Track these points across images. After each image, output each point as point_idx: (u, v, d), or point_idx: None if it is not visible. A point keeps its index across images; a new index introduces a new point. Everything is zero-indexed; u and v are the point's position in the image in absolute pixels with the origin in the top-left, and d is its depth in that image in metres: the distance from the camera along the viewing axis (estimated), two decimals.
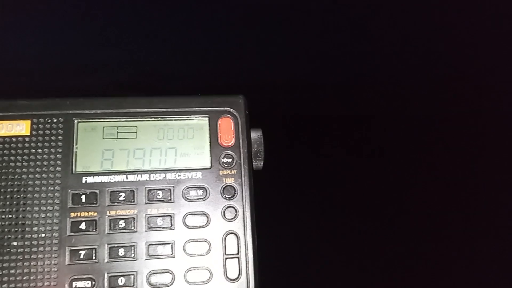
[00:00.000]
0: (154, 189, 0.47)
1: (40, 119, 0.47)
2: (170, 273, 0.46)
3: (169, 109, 0.50)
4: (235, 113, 0.51)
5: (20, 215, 0.45)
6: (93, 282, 0.44)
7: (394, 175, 0.94)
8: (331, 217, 0.88)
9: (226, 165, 0.49)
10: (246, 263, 0.47)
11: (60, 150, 0.47)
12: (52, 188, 0.46)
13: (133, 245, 0.46)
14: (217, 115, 0.50)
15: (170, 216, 0.47)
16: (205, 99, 0.51)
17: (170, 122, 0.50)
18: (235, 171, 0.49)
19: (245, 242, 0.47)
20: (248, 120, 0.51)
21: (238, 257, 0.47)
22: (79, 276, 0.44)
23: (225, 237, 0.47)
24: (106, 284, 0.45)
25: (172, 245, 0.46)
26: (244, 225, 0.48)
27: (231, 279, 0.46)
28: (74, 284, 0.44)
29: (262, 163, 0.53)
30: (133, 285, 0.45)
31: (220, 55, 0.85)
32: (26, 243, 0.44)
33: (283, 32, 0.89)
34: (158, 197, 0.47)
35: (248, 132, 0.51)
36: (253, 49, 0.87)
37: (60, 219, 0.45)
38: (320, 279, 0.82)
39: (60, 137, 0.47)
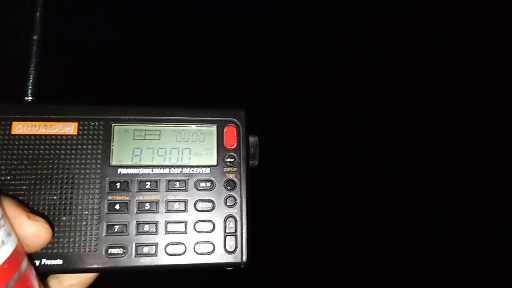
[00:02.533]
0: (172, 180, 0.61)
1: (85, 122, 0.60)
2: (183, 245, 0.59)
3: (186, 118, 0.63)
4: (238, 122, 0.64)
5: (69, 197, 0.58)
6: (124, 250, 0.58)
7: (391, 179, 1.03)
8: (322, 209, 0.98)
9: (229, 164, 0.63)
10: (241, 240, 0.61)
11: (100, 147, 0.60)
12: (94, 177, 0.59)
13: (155, 223, 0.59)
14: (223, 124, 0.64)
15: (184, 201, 0.61)
16: (215, 111, 0.64)
17: (187, 128, 0.63)
18: (236, 168, 0.63)
19: (241, 223, 0.61)
20: (248, 128, 0.65)
21: (235, 235, 0.61)
22: (113, 244, 0.58)
23: (226, 219, 0.61)
24: (133, 251, 0.58)
25: (185, 224, 0.60)
26: (240, 211, 0.62)
27: (229, 252, 0.60)
28: (109, 250, 0.58)
29: (257, 162, 0.67)
30: (154, 253, 0.58)
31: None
32: (73, 218, 0.57)
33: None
34: (175, 186, 0.61)
35: (247, 138, 0.64)
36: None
37: (100, 201, 0.59)
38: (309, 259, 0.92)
39: (100, 137, 0.60)
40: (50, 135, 0.59)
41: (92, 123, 0.61)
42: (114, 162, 0.60)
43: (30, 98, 0.63)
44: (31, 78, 0.65)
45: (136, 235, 0.59)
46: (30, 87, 0.64)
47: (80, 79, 0.86)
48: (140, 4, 0.94)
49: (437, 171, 1.06)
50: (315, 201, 0.99)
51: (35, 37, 0.66)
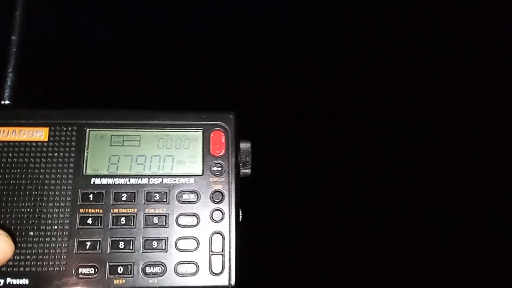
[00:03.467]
0: (152, 192, 0.54)
1: (56, 127, 0.55)
2: (163, 265, 0.53)
3: (168, 122, 0.57)
4: (226, 127, 0.57)
5: (37, 209, 0.52)
6: (96, 269, 0.52)
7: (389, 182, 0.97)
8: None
9: (216, 173, 0.56)
10: (229, 260, 0.54)
11: (73, 155, 0.54)
12: (65, 187, 0.53)
13: (131, 239, 0.53)
14: (210, 128, 0.57)
15: (165, 215, 0.54)
16: (201, 114, 0.58)
17: (169, 133, 0.57)
18: (223, 178, 0.56)
19: (229, 241, 0.54)
20: (237, 133, 0.58)
21: (222, 254, 0.54)
22: (84, 264, 0.52)
23: (212, 236, 0.54)
24: (107, 272, 0.52)
25: (165, 241, 0.53)
26: (229, 226, 0.54)
27: (215, 273, 0.53)
28: (80, 270, 0.52)
29: (249, 171, 0.59)
30: (130, 274, 0.52)
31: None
32: (41, 233, 0.52)
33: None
34: (155, 198, 0.54)
35: (237, 145, 0.57)
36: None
37: (71, 214, 0.53)
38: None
39: (73, 143, 0.55)
40: (19, 142, 0.54)
41: (64, 128, 0.55)
42: (87, 171, 0.55)
43: (6, 102, 0.59)
44: (8, 81, 0.60)
45: (109, 253, 0.52)
46: (7, 91, 0.60)
47: (66, 83, 0.83)
48: (130, 5, 0.91)
49: (437, 171, 0.99)
50: (314, 203, 0.93)
51: (14, 37, 0.62)
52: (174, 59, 0.98)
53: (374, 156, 1.03)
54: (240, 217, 0.58)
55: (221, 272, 0.53)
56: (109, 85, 0.91)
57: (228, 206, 0.55)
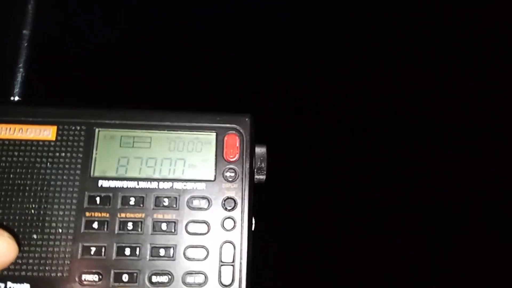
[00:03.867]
0: (161, 197, 0.52)
1: (65, 126, 0.52)
2: (170, 274, 0.50)
3: (181, 123, 0.54)
4: (241, 130, 0.54)
5: (41, 211, 0.50)
6: (100, 277, 0.49)
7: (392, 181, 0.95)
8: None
9: (229, 179, 0.53)
10: (240, 271, 0.51)
11: (80, 155, 0.52)
12: (71, 189, 0.51)
13: (138, 246, 0.50)
14: (224, 131, 0.54)
15: (174, 222, 0.51)
16: (215, 116, 0.55)
17: (181, 135, 0.54)
18: (236, 184, 0.53)
19: (240, 251, 0.51)
20: (253, 137, 0.55)
21: (232, 265, 0.51)
22: (88, 270, 0.49)
23: (222, 245, 0.51)
24: (111, 280, 0.49)
25: (173, 249, 0.51)
26: (241, 236, 0.51)
27: (224, 285, 0.50)
28: (84, 276, 0.49)
29: (264, 177, 0.56)
30: (135, 282, 0.49)
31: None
32: (44, 236, 0.49)
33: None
34: (164, 204, 0.52)
35: (252, 149, 0.54)
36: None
37: (76, 218, 0.50)
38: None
39: (81, 143, 0.52)
40: (26, 140, 0.52)
41: (73, 128, 0.53)
42: (95, 173, 0.52)
43: (16, 98, 0.57)
44: (19, 77, 0.58)
45: (115, 259, 0.50)
46: (17, 87, 0.58)
47: (76, 80, 0.81)
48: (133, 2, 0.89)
49: (437, 171, 0.96)
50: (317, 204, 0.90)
51: (26, 32, 0.60)
52: (187, 59, 0.96)
53: (386, 157, 0.99)
54: (253, 226, 0.55)
55: (231, 284, 0.50)
56: (118, 84, 0.89)
57: (241, 214, 0.52)
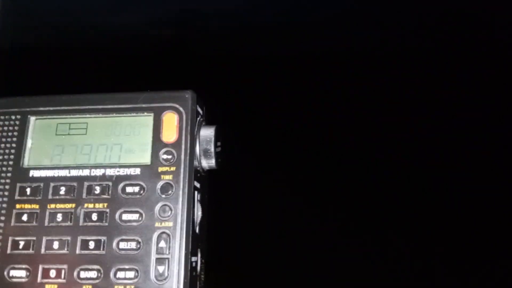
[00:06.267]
0: (92, 185, 0.47)
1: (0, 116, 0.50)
2: (99, 269, 0.45)
3: (117, 106, 0.50)
4: (180, 109, 0.49)
5: None
6: (28, 273, 0.46)
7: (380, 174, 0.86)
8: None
9: (165, 162, 0.47)
10: (177, 264, 0.45)
11: (14, 145, 0.50)
12: (3, 181, 0.48)
13: (67, 239, 0.46)
14: (161, 111, 0.49)
15: (105, 212, 0.47)
16: (152, 95, 0.50)
17: (118, 119, 0.50)
18: (174, 168, 0.47)
19: (177, 241, 0.45)
20: (194, 116, 0.49)
21: (168, 257, 0.45)
22: (17, 266, 0.46)
23: (158, 235, 0.45)
24: (39, 275, 0.45)
25: (104, 241, 0.46)
26: (178, 225, 0.45)
27: (159, 279, 0.44)
28: (12, 272, 0.46)
29: (214, 162, 0.50)
30: (63, 279, 0.45)
31: None
32: None
33: None
34: (95, 192, 0.47)
35: (192, 129, 0.49)
36: None
37: (7, 210, 0.48)
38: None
39: (15, 133, 0.50)
40: None
41: (7, 117, 0.51)
42: (29, 162, 0.49)
43: None
44: None
45: (44, 254, 0.46)
46: None
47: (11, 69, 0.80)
48: None
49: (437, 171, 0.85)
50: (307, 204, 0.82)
51: None
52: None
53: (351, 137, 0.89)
54: (199, 216, 0.49)
55: (165, 279, 0.44)
56: (60, 73, 0.86)
57: (178, 201, 0.46)
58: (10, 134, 0.50)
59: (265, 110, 0.90)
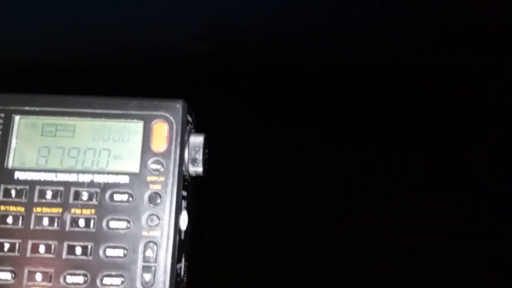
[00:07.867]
0: (80, 190, 0.48)
1: None
2: (86, 275, 0.46)
3: (106, 111, 0.50)
4: (171, 118, 0.49)
5: None
6: (13, 275, 0.46)
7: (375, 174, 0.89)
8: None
9: (154, 171, 0.48)
10: (164, 273, 0.46)
11: None
12: None
13: (53, 244, 0.47)
14: (152, 119, 0.49)
15: (93, 218, 0.47)
16: (143, 102, 0.50)
17: (107, 124, 0.50)
18: (163, 177, 0.48)
19: (164, 251, 0.46)
20: (185, 126, 0.50)
21: (154, 266, 0.46)
22: (1, 268, 0.46)
23: (145, 244, 0.47)
24: (25, 279, 0.46)
25: (91, 247, 0.47)
26: (165, 234, 0.47)
27: (145, 286, 0.46)
28: None
29: (201, 169, 0.51)
30: (49, 282, 0.46)
31: None
32: None
33: None
34: (83, 198, 0.48)
35: (182, 139, 0.49)
36: None
37: None
38: None
39: None
40: None
41: None
42: (13, 164, 0.49)
43: None
44: None
45: (29, 257, 0.46)
46: None
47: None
48: None
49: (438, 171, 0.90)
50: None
51: None
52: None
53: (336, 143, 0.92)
54: (186, 224, 0.50)
55: (152, 286, 0.46)
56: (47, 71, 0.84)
57: (166, 211, 0.47)
58: None
59: (245, 119, 0.91)
